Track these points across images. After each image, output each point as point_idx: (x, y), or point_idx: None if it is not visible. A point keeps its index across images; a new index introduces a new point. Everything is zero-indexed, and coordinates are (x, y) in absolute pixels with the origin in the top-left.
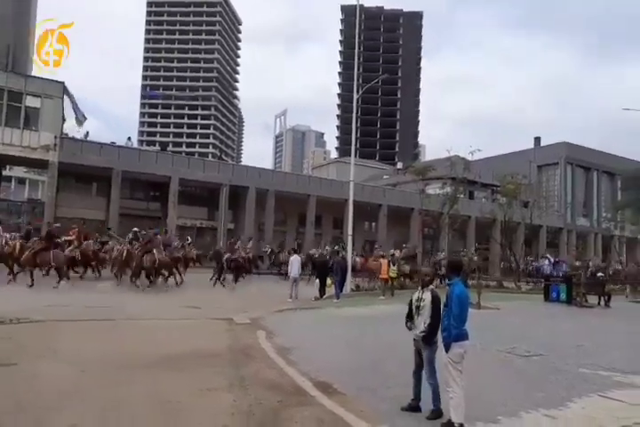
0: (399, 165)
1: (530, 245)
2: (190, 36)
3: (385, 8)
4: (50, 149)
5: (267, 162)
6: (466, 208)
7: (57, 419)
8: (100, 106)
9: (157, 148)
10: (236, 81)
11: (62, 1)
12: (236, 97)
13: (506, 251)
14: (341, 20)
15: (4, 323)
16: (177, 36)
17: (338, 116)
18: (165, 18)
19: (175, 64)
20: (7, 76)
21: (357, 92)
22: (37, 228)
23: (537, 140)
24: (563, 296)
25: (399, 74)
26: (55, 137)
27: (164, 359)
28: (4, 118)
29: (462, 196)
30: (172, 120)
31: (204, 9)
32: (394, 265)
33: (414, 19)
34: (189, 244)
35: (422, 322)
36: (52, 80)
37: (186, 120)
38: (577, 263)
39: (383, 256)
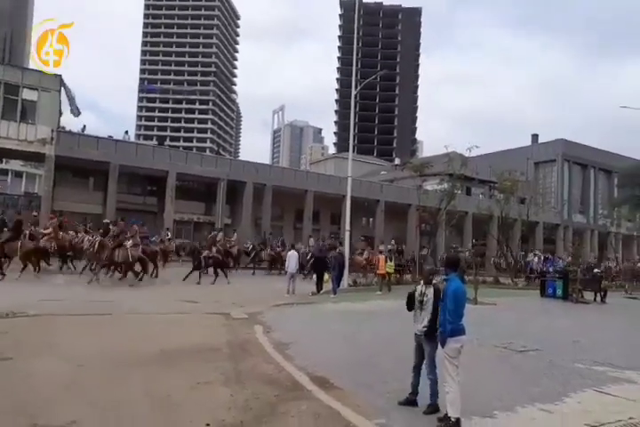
0: (397, 161)
1: (526, 241)
2: (188, 31)
3: (384, 4)
4: (47, 143)
5: (264, 157)
6: (463, 204)
7: (55, 415)
8: (97, 100)
9: (155, 142)
10: (234, 76)
11: None
12: (234, 92)
13: (502, 247)
14: (340, 15)
15: (0, 317)
16: (175, 30)
17: (336, 111)
18: (164, 12)
19: (173, 58)
20: (4, 68)
21: (356, 87)
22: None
23: (534, 137)
24: (559, 292)
25: (397, 70)
26: (52, 130)
27: (160, 354)
28: (0, 111)
29: (460, 192)
30: (170, 114)
31: (203, 3)
32: (391, 261)
33: (413, 15)
34: (169, 238)
35: (425, 317)
36: (49, 73)
37: (183, 115)
38: (569, 259)
39: (381, 252)
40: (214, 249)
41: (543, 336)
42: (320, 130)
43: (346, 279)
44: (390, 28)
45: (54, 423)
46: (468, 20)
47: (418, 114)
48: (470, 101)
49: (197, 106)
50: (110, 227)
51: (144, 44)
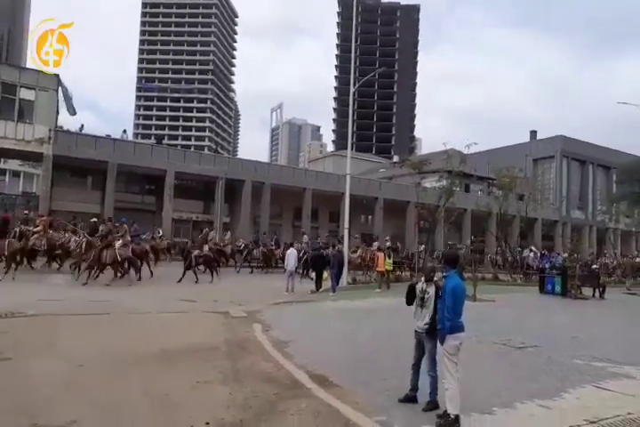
0: (395, 159)
1: (525, 237)
2: (186, 29)
3: (382, 1)
4: (44, 142)
5: (263, 155)
6: (462, 201)
7: (54, 415)
8: (94, 98)
9: (153, 141)
10: (232, 74)
11: None
12: (232, 90)
13: (501, 243)
14: (338, 12)
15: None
16: (173, 29)
17: (334, 109)
18: (161, 10)
19: (171, 56)
20: (1, 67)
21: (354, 85)
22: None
23: (533, 133)
24: (558, 288)
25: (396, 68)
26: (50, 130)
27: (160, 353)
28: None
29: (458, 189)
30: (168, 113)
31: (201, 1)
32: (389, 258)
33: (411, 12)
34: (160, 236)
35: (427, 314)
36: (48, 72)
37: (181, 113)
38: (565, 254)
39: (380, 249)
40: (206, 248)
41: (542, 332)
42: (318, 128)
43: (345, 277)
44: (388, 26)
45: (54, 423)
46: (467, 18)
47: (416, 111)
48: (469, 99)
49: (195, 104)
50: (99, 226)
51: (142, 42)
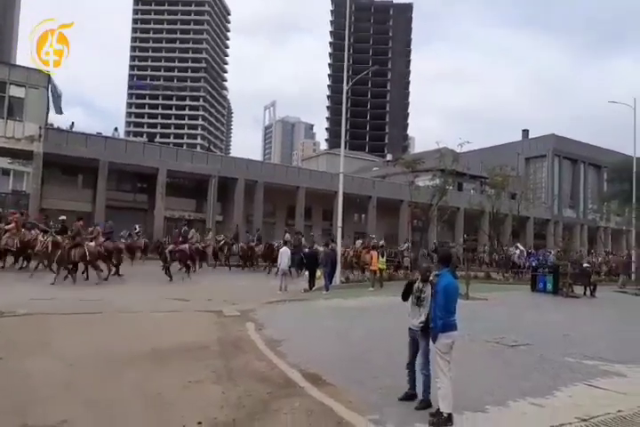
0: (389, 157)
1: (517, 236)
2: (178, 26)
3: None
4: (34, 140)
5: (256, 153)
6: (455, 200)
7: (46, 414)
8: (85, 96)
9: (145, 139)
10: (225, 72)
11: None
12: (224, 88)
13: (493, 242)
14: (331, 11)
15: None
16: (165, 26)
17: (328, 107)
18: (153, 7)
19: (163, 54)
20: None
21: (347, 83)
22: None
23: (525, 132)
24: (549, 287)
25: (389, 66)
26: (40, 128)
27: (152, 352)
28: None
29: (451, 188)
30: (160, 111)
31: None
32: (383, 257)
33: (404, 11)
34: (137, 232)
35: (423, 313)
36: (37, 70)
37: (174, 111)
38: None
39: (374, 247)
40: (186, 246)
41: (534, 331)
42: (312, 126)
43: (338, 276)
44: (382, 24)
45: (45, 423)
46: (461, 16)
47: (410, 110)
48: (464, 98)
49: (188, 102)
50: (67, 226)
51: (133, 40)
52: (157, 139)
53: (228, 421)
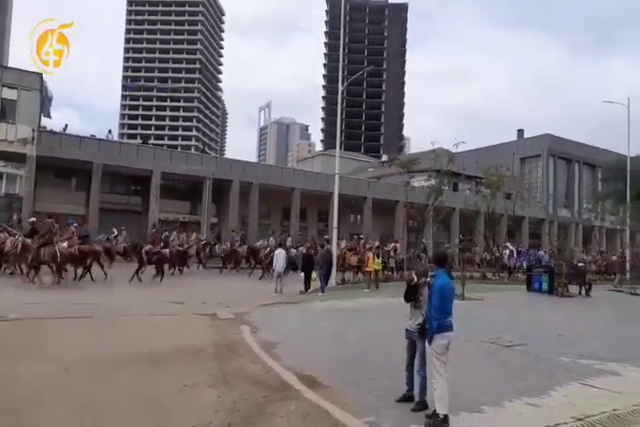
0: (384, 158)
1: (513, 235)
2: (173, 27)
3: (370, 0)
4: (27, 143)
5: (251, 155)
6: (450, 200)
7: (41, 419)
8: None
9: (139, 141)
10: (220, 73)
11: None
12: (219, 89)
13: (489, 242)
14: (326, 11)
15: None
16: (159, 27)
17: (323, 108)
18: (147, 8)
19: (157, 55)
20: None
21: (342, 84)
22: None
23: (520, 132)
24: (544, 286)
25: (384, 66)
26: (33, 130)
27: (147, 356)
28: None
29: (447, 188)
30: (154, 112)
31: None
32: (378, 258)
33: (400, 11)
34: (115, 236)
35: (421, 315)
36: (30, 71)
37: (168, 112)
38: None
39: (371, 248)
40: (167, 251)
41: (529, 331)
42: (307, 127)
43: (334, 277)
44: (377, 24)
45: None
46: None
47: (405, 110)
48: (459, 98)
49: (182, 103)
50: (37, 227)
51: (127, 41)
52: (151, 141)
53: (223, 425)
